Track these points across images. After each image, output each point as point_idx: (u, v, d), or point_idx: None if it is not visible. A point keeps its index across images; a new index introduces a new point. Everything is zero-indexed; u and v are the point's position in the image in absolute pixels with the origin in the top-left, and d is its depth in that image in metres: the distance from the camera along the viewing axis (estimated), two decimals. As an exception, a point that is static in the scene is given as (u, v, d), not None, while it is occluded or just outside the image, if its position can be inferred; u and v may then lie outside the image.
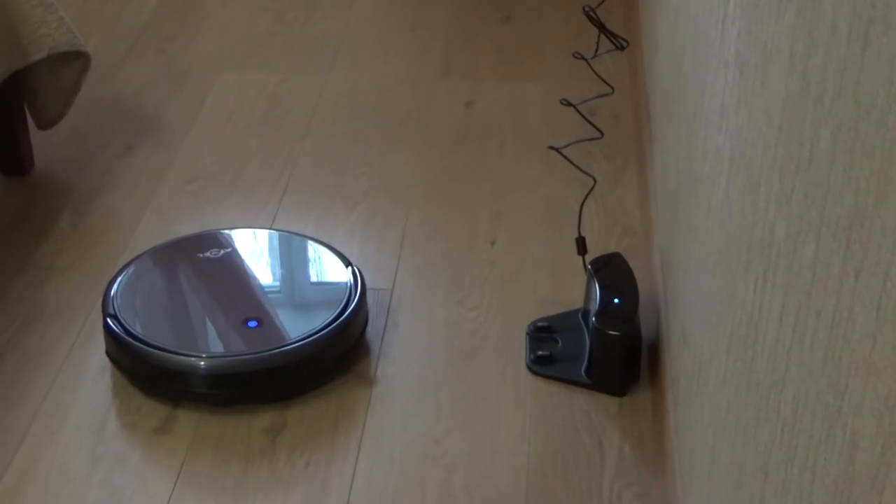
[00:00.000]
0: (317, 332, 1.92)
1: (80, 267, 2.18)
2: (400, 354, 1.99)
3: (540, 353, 1.97)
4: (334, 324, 1.94)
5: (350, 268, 2.05)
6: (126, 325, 1.91)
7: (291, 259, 2.17)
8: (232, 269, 2.07)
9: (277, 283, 2.11)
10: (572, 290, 2.11)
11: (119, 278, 2.02)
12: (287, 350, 1.89)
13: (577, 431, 1.85)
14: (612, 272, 2.00)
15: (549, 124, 2.59)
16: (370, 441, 1.82)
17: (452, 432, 1.84)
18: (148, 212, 2.33)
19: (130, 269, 2.05)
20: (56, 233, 2.27)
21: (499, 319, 2.07)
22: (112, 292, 1.98)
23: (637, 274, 2.02)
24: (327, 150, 2.54)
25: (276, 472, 1.77)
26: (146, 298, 2.01)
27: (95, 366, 1.95)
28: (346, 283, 2.02)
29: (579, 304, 2.07)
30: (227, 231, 2.16)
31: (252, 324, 1.95)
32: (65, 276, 2.15)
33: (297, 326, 1.95)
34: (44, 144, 2.48)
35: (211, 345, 1.96)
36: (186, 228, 2.28)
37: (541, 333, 2.02)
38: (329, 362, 1.94)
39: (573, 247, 2.15)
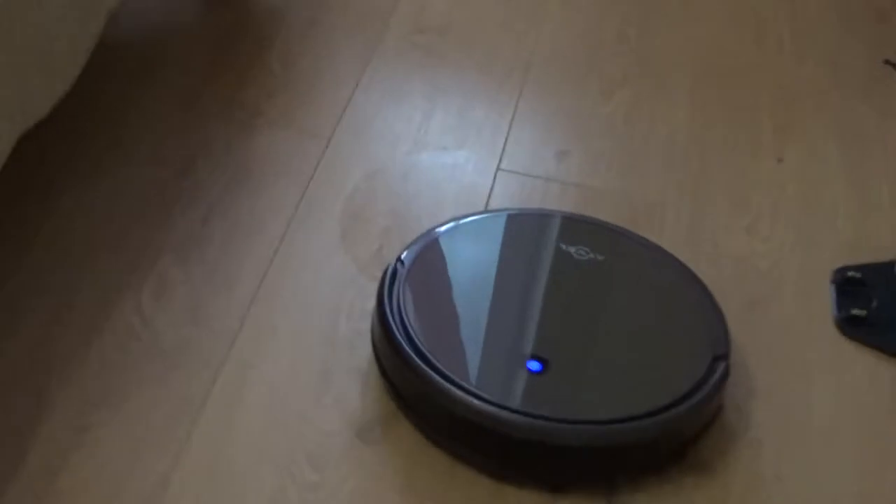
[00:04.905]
0: (598, 422, 1.33)
1: (294, 119, 1.83)
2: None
3: (854, 311, 1.61)
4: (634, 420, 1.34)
5: (721, 362, 1.42)
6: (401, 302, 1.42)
7: (658, 310, 1.51)
8: (578, 285, 1.50)
9: (616, 334, 1.46)
10: (880, 236, 1.75)
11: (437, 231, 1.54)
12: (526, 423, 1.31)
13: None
14: (955, 226, 1.64)
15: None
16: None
17: (754, 398, 1.49)
18: (372, 62, 1.97)
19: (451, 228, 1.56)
20: (264, 74, 1.91)
21: (796, 258, 1.71)
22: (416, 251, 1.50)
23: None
24: (580, 15, 2.15)
25: None
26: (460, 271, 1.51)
27: (314, 248, 1.62)
28: (697, 372, 1.40)
29: (889, 255, 1.71)
30: (615, 226, 1.61)
31: (534, 365, 1.39)
32: (277, 129, 1.81)
33: (584, 399, 1.37)
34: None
35: (464, 375, 1.36)
36: (418, 89, 1.92)
37: (851, 286, 1.66)
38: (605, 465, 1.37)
39: (882, 182, 1.79)
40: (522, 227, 1.60)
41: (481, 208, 1.70)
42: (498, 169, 1.78)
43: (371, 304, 1.47)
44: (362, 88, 1.90)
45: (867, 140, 1.92)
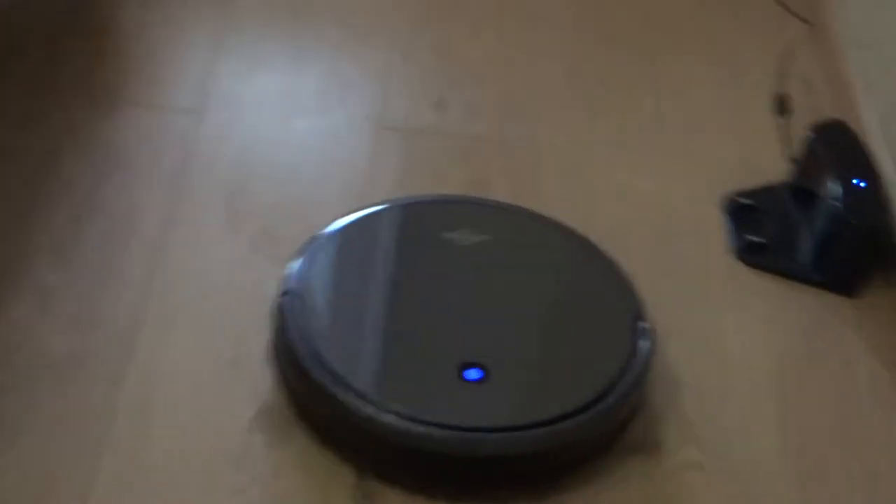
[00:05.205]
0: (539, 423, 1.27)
1: (157, 96, 1.74)
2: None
3: (752, 238, 1.61)
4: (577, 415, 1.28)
5: (642, 324, 1.38)
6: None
7: (565, 285, 1.44)
8: (475, 272, 1.41)
9: (533, 321, 1.38)
10: (763, 157, 1.74)
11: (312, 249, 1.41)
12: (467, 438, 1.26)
13: (813, 341, 1.51)
14: (840, 145, 1.63)
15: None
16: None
17: (668, 340, 1.47)
18: (230, 27, 1.87)
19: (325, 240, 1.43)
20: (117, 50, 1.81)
21: (684, 190, 1.69)
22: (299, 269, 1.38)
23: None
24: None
25: None
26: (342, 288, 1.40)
27: (201, 233, 1.54)
28: (625, 354, 1.34)
29: (774, 176, 1.71)
30: (497, 203, 1.52)
31: (472, 374, 1.30)
32: (141, 109, 1.71)
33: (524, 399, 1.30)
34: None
35: (386, 391, 1.27)
36: (282, 51, 1.84)
37: (744, 214, 1.65)
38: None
39: (759, 101, 1.79)
40: (399, 221, 1.47)
41: (365, 172, 1.64)
42: (376, 127, 1.72)
43: (270, 282, 1.39)
44: (224, 57, 1.80)
45: (740, 60, 1.91)
